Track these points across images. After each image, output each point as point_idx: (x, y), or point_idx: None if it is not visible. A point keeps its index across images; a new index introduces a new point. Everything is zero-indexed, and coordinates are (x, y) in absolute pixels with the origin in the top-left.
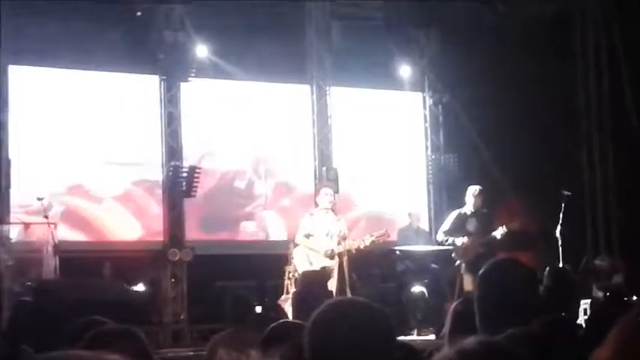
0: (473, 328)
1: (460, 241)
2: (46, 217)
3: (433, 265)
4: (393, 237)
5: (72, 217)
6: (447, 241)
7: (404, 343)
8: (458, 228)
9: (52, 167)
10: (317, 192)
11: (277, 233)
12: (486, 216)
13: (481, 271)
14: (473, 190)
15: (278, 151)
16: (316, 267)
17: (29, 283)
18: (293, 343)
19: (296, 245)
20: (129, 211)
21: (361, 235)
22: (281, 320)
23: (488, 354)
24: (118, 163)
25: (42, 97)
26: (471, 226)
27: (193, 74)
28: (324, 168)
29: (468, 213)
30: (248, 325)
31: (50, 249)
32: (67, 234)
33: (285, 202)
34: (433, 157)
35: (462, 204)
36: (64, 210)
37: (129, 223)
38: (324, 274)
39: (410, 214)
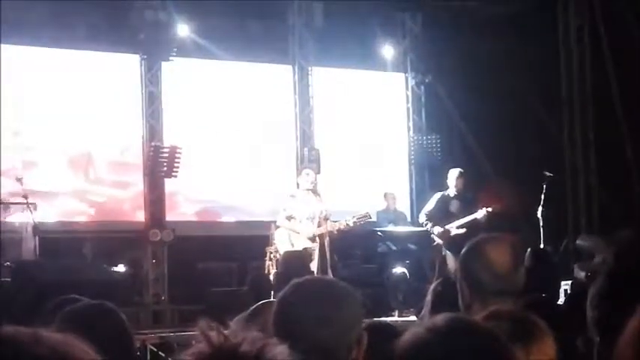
0: (452, 308)
1: (437, 229)
2: (25, 197)
3: (414, 247)
4: (375, 218)
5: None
6: (426, 225)
7: (385, 323)
8: (440, 210)
9: (32, 147)
10: (298, 173)
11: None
12: (469, 198)
13: (465, 249)
14: (454, 173)
15: (259, 132)
16: (298, 248)
17: (8, 264)
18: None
19: (277, 227)
20: (110, 191)
21: (342, 216)
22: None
23: (457, 330)
24: (97, 144)
25: (21, 76)
26: (454, 207)
27: (174, 53)
28: (306, 149)
29: (451, 195)
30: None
31: (29, 229)
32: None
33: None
34: (415, 138)
35: (443, 185)
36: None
37: (110, 203)
38: (305, 255)
39: (385, 195)
